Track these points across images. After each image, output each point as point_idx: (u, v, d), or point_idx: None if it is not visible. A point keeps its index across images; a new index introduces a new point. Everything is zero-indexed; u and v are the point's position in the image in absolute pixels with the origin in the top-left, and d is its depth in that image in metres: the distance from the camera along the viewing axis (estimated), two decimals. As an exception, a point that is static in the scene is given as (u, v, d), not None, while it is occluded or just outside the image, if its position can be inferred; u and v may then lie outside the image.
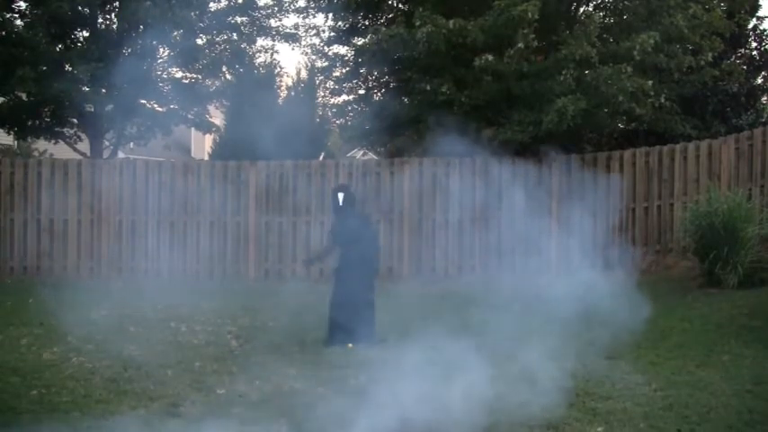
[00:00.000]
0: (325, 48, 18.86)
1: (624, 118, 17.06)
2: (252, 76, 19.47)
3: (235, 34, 18.58)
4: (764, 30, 19.82)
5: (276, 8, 18.84)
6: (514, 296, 8.23)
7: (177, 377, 7.22)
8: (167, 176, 13.64)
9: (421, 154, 13.65)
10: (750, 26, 19.56)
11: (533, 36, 13.83)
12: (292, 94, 24.18)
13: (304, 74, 24.20)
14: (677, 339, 8.30)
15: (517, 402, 5.99)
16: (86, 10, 16.63)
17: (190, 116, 18.58)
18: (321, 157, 21.79)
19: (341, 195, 9.13)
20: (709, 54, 15.74)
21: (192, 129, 22.41)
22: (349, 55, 18.49)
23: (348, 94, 19.28)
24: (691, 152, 12.69)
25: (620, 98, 13.86)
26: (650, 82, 14.22)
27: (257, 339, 8.84)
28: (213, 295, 11.30)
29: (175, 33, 17.11)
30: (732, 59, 18.75)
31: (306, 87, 23.83)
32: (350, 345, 8.47)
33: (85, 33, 17.16)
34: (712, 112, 18.36)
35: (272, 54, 32.56)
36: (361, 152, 27.06)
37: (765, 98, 20.83)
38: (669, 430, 5.73)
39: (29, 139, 22.30)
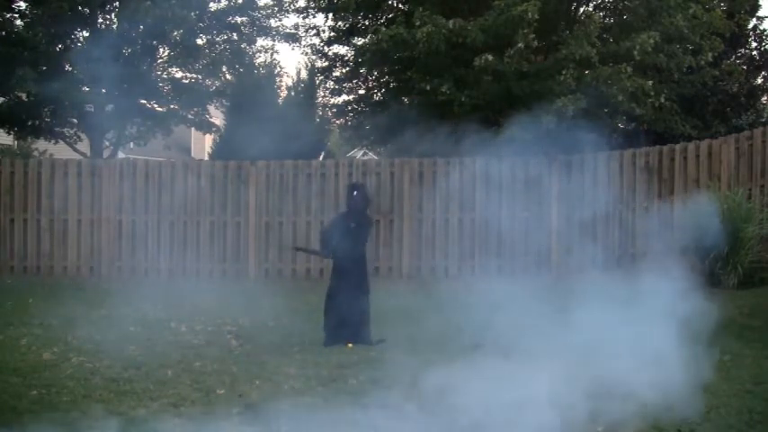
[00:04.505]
0: (325, 48, 18.90)
1: (624, 118, 17.09)
2: (252, 76, 19.50)
3: (235, 34, 18.61)
4: (764, 30, 19.89)
5: (276, 8, 18.87)
6: (512, 296, 8.20)
7: (177, 377, 7.20)
8: (167, 176, 13.63)
9: (421, 154, 13.64)
10: (750, 26, 19.61)
11: (533, 36, 13.84)
12: (292, 94, 24.19)
13: (304, 74, 24.21)
14: (677, 339, 8.29)
15: (516, 403, 5.98)
16: (86, 10, 16.64)
17: (190, 116, 18.61)
18: (321, 157, 21.79)
19: (356, 193, 9.04)
20: (709, 54, 15.78)
21: (192, 129, 22.45)
22: (349, 55, 18.53)
23: (348, 94, 19.34)
24: (691, 152, 12.68)
25: (620, 98, 13.87)
26: (650, 82, 14.25)
27: (257, 339, 8.83)
28: (213, 295, 11.29)
29: (175, 33, 17.13)
30: (732, 59, 18.78)
31: (306, 87, 23.83)
32: (349, 344, 8.47)
33: (85, 33, 17.18)
34: (712, 112, 18.40)
35: (271, 54, 32.56)
36: (361, 152, 27.05)
37: (765, 98, 20.87)
38: (669, 430, 5.72)
39: (29, 139, 22.34)
